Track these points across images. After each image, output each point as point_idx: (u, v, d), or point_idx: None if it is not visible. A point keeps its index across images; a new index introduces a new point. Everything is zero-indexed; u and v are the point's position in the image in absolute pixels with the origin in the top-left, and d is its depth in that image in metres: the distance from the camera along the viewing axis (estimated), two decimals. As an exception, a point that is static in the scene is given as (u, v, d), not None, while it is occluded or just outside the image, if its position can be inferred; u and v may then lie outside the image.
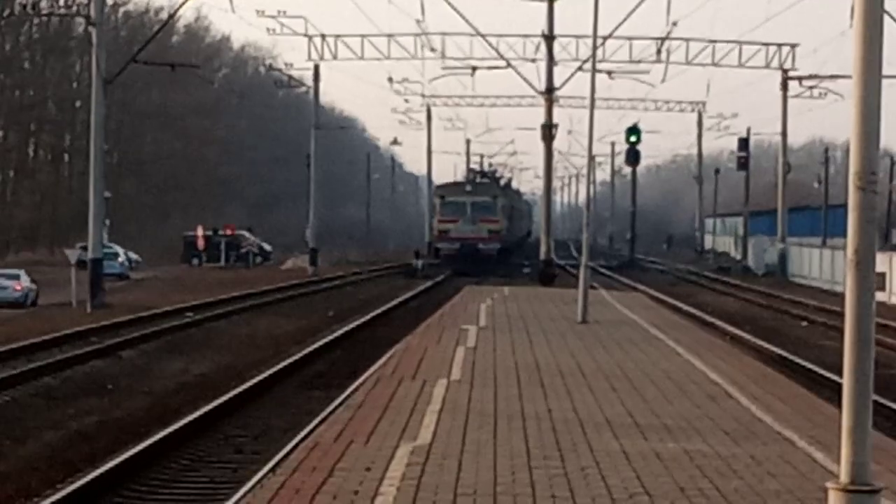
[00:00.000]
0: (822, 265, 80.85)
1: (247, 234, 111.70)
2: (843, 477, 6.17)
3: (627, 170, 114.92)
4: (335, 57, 75.67)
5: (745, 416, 19.04)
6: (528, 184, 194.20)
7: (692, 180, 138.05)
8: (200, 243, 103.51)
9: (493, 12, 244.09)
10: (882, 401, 20.35)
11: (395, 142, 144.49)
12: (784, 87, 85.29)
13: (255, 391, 27.41)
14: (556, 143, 72.09)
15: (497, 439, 16.22)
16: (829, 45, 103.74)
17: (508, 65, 69.58)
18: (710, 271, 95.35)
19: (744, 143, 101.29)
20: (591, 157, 44.06)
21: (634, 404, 19.85)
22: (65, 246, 72.56)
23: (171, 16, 78.61)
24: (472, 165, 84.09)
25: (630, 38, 76.15)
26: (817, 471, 14.48)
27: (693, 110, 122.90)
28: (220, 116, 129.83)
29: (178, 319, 46.60)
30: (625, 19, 61.79)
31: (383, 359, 26.84)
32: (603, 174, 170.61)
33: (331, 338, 38.93)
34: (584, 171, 59.47)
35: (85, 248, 56.05)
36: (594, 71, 37.99)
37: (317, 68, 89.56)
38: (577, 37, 72.85)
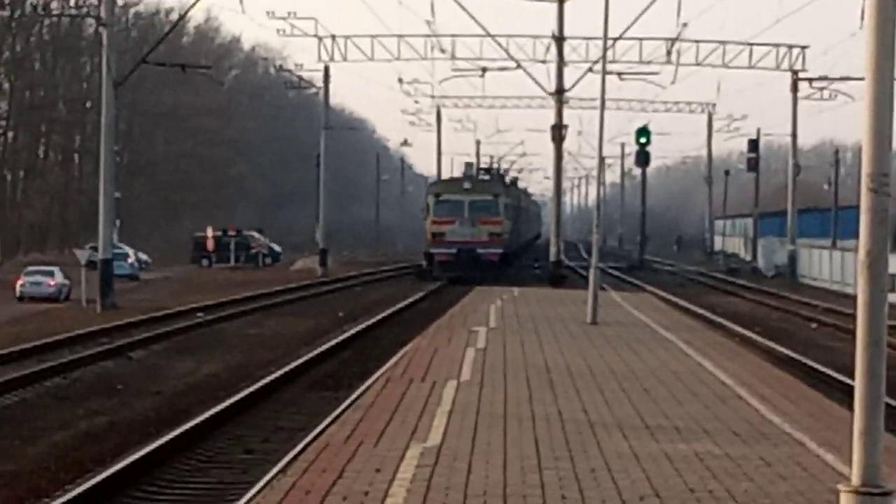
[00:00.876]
0: (833, 267, 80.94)
1: (256, 234, 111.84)
2: (855, 479, 6.16)
3: (637, 171, 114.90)
4: (345, 58, 75.78)
5: (755, 417, 19.05)
6: (538, 185, 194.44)
7: (702, 181, 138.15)
8: (210, 244, 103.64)
9: (504, 13, 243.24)
10: (894, 403, 20.38)
11: (405, 143, 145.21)
12: (794, 88, 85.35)
13: (265, 392, 27.42)
14: (566, 145, 72.12)
15: (507, 440, 16.23)
16: (839, 46, 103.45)
17: (518, 66, 69.61)
18: (720, 272, 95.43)
19: (754, 144, 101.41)
20: (602, 159, 44.07)
21: (644, 405, 19.86)
22: (75, 246, 72.61)
23: (182, 17, 78.86)
24: (481, 166, 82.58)
25: (640, 39, 76.14)
26: (828, 473, 14.48)
27: (703, 111, 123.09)
28: (231, 117, 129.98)
29: (188, 320, 46.69)
30: (635, 20, 61.79)
31: (393, 359, 26.87)
32: (613, 175, 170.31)
33: (341, 338, 38.97)
34: (595, 172, 59.12)
35: (95, 249, 56.21)
36: (604, 72, 38.03)
37: (327, 69, 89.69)
38: (587, 38, 72.81)
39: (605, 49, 36.84)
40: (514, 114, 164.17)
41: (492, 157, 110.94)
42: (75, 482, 18.16)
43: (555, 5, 67.06)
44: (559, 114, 67.76)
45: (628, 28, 62.69)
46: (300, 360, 32.78)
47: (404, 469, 14.23)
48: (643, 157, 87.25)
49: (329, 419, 18.88)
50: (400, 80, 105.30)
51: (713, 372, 24.94)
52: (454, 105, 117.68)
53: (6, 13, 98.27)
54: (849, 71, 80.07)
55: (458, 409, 18.89)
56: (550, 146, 70.10)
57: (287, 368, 31.17)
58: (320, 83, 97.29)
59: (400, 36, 73.16)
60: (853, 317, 6.27)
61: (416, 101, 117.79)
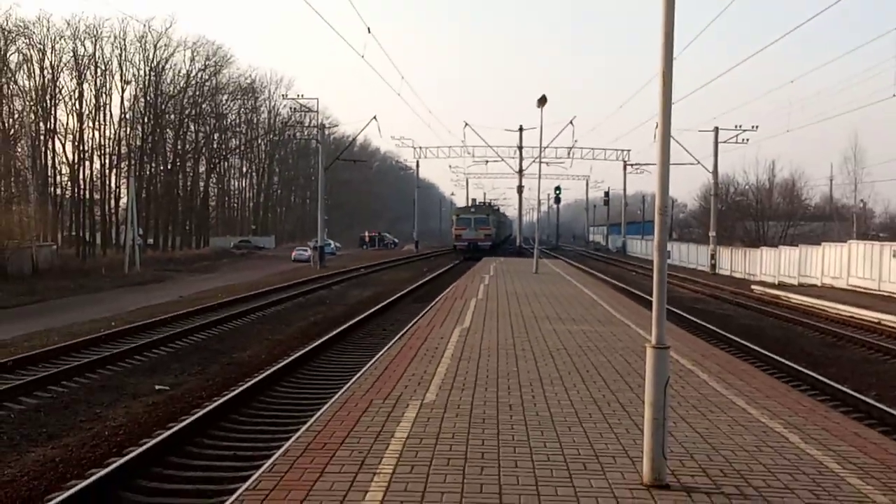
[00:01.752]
0: (642, 247, 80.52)
1: (387, 234, 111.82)
2: (653, 340, 6.16)
3: (555, 206, 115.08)
4: (425, 156, 75.36)
5: (606, 314, 18.97)
6: (511, 210, 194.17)
7: (583, 210, 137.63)
8: (366, 238, 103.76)
9: (493, 133, 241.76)
10: (672, 309, 20.19)
11: (452, 194, 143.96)
12: (624, 168, 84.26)
13: (391, 304, 27.42)
14: (525, 193, 71.43)
15: (499, 325, 16.23)
16: (645, 149, 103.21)
17: (502, 159, 69.57)
18: (592, 251, 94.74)
19: (606, 193, 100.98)
20: (539, 201, 43.78)
21: (559, 308, 19.80)
22: (309, 240, 73.00)
23: (353, 139, 78.62)
24: (479, 201, 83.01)
25: (556, 147, 75.47)
26: (642, 338, 14.48)
27: (583, 179, 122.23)
28: (373, 183, 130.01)
29: (357, 273, 46.68)
30: (551, 142, 61.81)
31: (447, 290, 26.87)
32: (545, 206, 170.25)
33: (423, 281, 38.96)
34: (536, 205, 59.26)
35: (316, 241, 56.27)
36: (540, 161, 37.86)
37: (417, 162, 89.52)
38: (532, 147, 72.67)
39: (541, 151, 36.54)
40: (499, 179, 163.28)
41: (485, 195, 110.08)
42: (307, 343, 18.36)
43: (517, 133, 66.96)
44: (520, 180, 67.42)
45: (551, 142, 62.73)
46: (406, 289, 32.74)
47: (453, 336, 14.31)
48: (557, 199, 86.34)
49: (420, 315, 18.96)
50: (449, 166, 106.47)
51: (588, 294, 24.84)
52: (474, 176, 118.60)
53: (277, 137, 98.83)
54: (649, 159, 79.70)
55: (478, 311, 18.91)
56: (516, 194, 70.27)
57: (401, 293, 31.10)
58: (414, 167, 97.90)
59: (450, 146, 73.01)
60: (652, 269, 6.28)
61: (455, 174, 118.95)
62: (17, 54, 61.44)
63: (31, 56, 62.85)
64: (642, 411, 6.57)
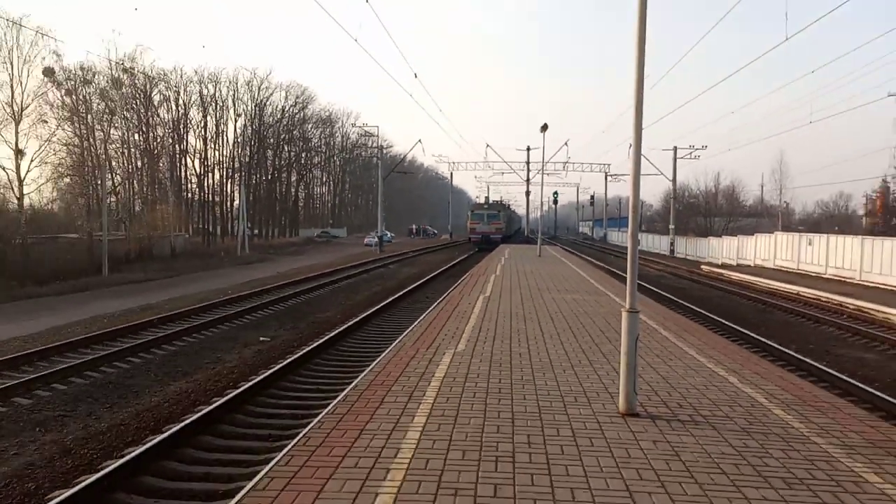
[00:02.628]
0: (619, 237, 79.45)
1: (429, 227, 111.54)
2: (627, 305, 6.13)
3: (553, 205, 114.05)
4: (456, 169, 75.08)
5: (593, 286, 18.73)
6: (520, 208, 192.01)
7: (575, 209, 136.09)
8: (414, 230, 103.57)
9: (507, 151, 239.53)
10: (641, 283, 19.96)
11: (476, 197, 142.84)
12: (606, 178, 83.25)
13: (430, 280, 27.25)
14: (531, 196, 70.72)
15: (511, 298, 16.17)
16: (622, 162, 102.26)
17: (514, 171, 68.89)
18: (581, 240, 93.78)
19: (592, 197, 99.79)
20: (542, 202, 43.42)
21: (557, 282, 19.63)
22: (370, 232, 73.05)
23: (404, 157, 78.22)
24: (491, 200, 79.96)
25: (554, 162, 74.91)
26: (617, 304, 14.33)
27: (575, 186, 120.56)
28: (419, 189, 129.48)
29: (407, 256, 46.65)
30: (551, 158, 61.03)
31: (473, 268, 26.78)
32: (546, 206, 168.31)
33: (455, 262, 38.75)
34: (540, 205, 58.74)
35: (377, 232, 56.27)
36: (543, 173, 37.45)
37: (451, 174, 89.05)
38: (536, 162, 72.21)
39: (543, 165, 36.06)
40: (513, 187, 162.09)
41: (500, 197, 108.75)
42: (370, 308, 18.39)
43: (525, 152, 66.34)
44: (527, 187, 66.39)
45: (551, 158, 62.02)
46: (443, 268, 32.61)
47: (478, 303, 14.25)
48: (555, 201, 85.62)
49: (453, 287, 18.90)
50: (475, 177, 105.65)
51: (579, 272, 24.62)
52: (493, 183, 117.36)
53: (348, 155, 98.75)
54: (624, 171, 78.60)
55: (496, 285, 18.82)
56: (524, 197, 69.70)
57: (438, 271, 30.95)
58: (449, 178, 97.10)
59: (475, 162, 72.53)
60: (626, 253, 6.19)
61: (480, 185, 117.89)
62: (158, 94, 62.56)
63: (168, 96, 63.83)
64: (619, 359, 6.53)
